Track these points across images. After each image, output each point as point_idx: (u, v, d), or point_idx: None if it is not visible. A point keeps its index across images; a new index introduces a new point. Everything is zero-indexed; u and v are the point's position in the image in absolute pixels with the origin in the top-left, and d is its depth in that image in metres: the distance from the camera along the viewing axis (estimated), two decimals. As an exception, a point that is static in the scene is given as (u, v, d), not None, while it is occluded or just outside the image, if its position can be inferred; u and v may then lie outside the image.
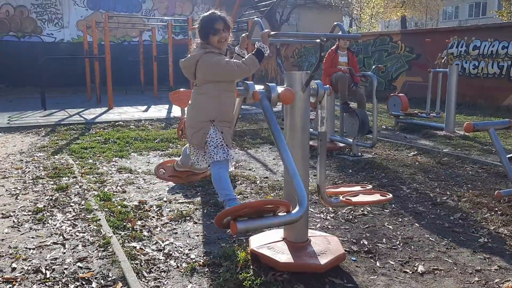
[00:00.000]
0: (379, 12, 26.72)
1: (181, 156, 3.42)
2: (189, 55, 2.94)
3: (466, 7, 35.36)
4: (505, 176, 4.75)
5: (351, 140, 6.11)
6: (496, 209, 3.89)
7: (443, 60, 9.07)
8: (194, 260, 2.92)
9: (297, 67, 18.31)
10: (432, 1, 29.29)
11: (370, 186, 3.43)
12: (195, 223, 3.61)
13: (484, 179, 4.89)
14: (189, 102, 2.99)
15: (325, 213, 3.83)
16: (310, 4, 24.09)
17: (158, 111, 10.84)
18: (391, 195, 3.15)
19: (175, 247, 3.14)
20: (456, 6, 36.03)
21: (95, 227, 3.44)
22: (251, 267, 2.79)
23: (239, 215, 2.34)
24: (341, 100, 6.33)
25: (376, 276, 2.74)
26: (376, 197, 3.11)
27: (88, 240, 3.23)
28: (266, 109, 2.67)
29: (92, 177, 4.94)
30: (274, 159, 5.92)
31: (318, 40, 2.90)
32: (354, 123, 6.07)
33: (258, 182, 4.79)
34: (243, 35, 3.07)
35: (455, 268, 2.85)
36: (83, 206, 3.93)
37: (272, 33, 2.81)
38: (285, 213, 2.42)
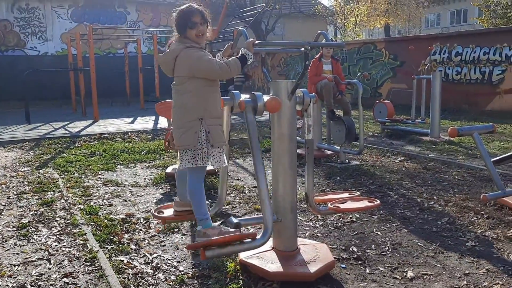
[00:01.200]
0: (363, 21, 27.06)
1: (176, 189, 3.32)
2: (167, 50, 2.91)
3: (448, 15, 36.01)
4: (490, 179, 4.80)
5: (339, 148, 6.14)
6: (483, 212, 3.93)
7: (426, 67, 9.21)
8: (182, 273, 2.89)
9: (283, 76, 18.41)
10: (415, 9, 29.78)
11: (358, 193, 3.45)
12: (184, 234, 3.58)
13: (470, 183, 4.94)
14: (173, 103, 2.95)
15: (314, 221, 3.83)
16: (295, 13, 24.30)
17: (144, 123, 10.77)
18: (378, 201, 3.16)
19: (163, 259, 3.10)
20: (438, 13, 36.68)
21: (81, 242, 3.39)
22: (241, 277, 2.77)
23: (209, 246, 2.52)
24: (327, 108, 6.36)
25: (366, 283, 2.73)
26: (364, 203, 3.13)
27: (74, 255, 3.17)
28: (249, 123, 2.68)
29: (78, 191, 4.88)
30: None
31: (302, 49, 2.92)
32: (340, 131, 6.10)
33: (246, 191, 4.78)
34: (228, 44, 3.08)
35: (443, 272, 2.86)
36: (68, 221, 3.87)
37: (257, 42, 2.82)
38: (250, 240, 2.58)
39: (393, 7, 27.94)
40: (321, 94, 6.32)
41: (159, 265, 3.00)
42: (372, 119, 9.56)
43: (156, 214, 3.29)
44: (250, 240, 2.58)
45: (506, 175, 5.10)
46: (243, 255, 2.89)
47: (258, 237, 2.58)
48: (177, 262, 3.06)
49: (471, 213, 3.94)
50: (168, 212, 3.31)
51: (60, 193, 4.77)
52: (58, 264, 3.03)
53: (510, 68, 10.73)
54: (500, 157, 4.70)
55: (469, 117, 10.40)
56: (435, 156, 6.31)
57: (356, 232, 3.56)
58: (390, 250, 3.21)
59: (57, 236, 3.54)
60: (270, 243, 3.01)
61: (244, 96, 2.82)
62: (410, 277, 2.79)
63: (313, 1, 27.23)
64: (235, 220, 2.79)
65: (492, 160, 4.21)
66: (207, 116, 2.81)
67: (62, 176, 5.53)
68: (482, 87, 11.38)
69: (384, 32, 30.30)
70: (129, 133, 8.97)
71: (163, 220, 3.30)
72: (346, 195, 3.38)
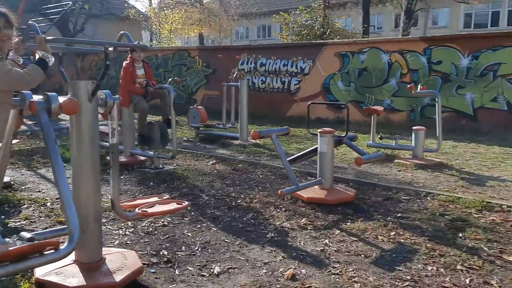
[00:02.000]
0: (178, 28, 27.47)
1: None
2: None
3: (255, 29, 39.27)
4: (287, 176, 5.37)
5: (152, 153, 6.08)
6: (281, 206, 4.37)
7: (234, 75, 9.83)
8: (-39, 304, 2.45)
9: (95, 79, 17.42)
10: (226, 21, 31.61)
11: (167, 196, 3.46)
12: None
13: (272, 181, 5.44)
14: None
15: (124, 229, 3.69)
16: (107, 15, 23.29)
17: None
18: (187, 203, 3.23)
19: None
20: (247, 27, 39.65)
21: None
22: (36, 298, 2.49)
23: None
24: (138, 131, 6.52)
25: (175, 284, 2.76)
26: (173, 205, 3.15)
27: None
28: (44, 124, 2.42)
29: None
30: (68, 177, 5.45)
31: (102, 49, 2.80)
32: (154, 136, 6.06)
33: (48, 204, 4.34)
34: (16, 39, 2.76)
35: (247, 264, 3.07)
36: None
37: (49, 38, 2.58)
38: (53, 251, 2.26)
39: (206, 17, 29.17)
40: (135, 108, 6.40)
41: None
42: (187, 125, 9.75)
43: None
44: (52, 251, 2.27)
45: (301, 172, 5.78)
46: (39, 273, 2.60)
47: (62, 247, 2.30)
48: (-46, 292, 2.59)
49: (272, 207, 4.34)
50: None
51: None
52: None
53: (304, 79, 12.24)
54: (294, 156, 5.31)
55: (272, 122, 11.46)
56: (243, 158, 6.77)
57: (167, 236, 3.57)
58: (199, 250, 3.31)
59: None
60: (72, 256, 2.79)
61: (37, 97, 2.55)
62: (217, 273, 2.92)
63: (126, 4, 26.52)
64: (27, 235, 2.48)
65: (288, 159, 4.72)
66: None
67: None
68: (282, 96, 12.71)
69: (199, 40, 31.37)
70: None
71: None
72: (155, 199, 3.35)
